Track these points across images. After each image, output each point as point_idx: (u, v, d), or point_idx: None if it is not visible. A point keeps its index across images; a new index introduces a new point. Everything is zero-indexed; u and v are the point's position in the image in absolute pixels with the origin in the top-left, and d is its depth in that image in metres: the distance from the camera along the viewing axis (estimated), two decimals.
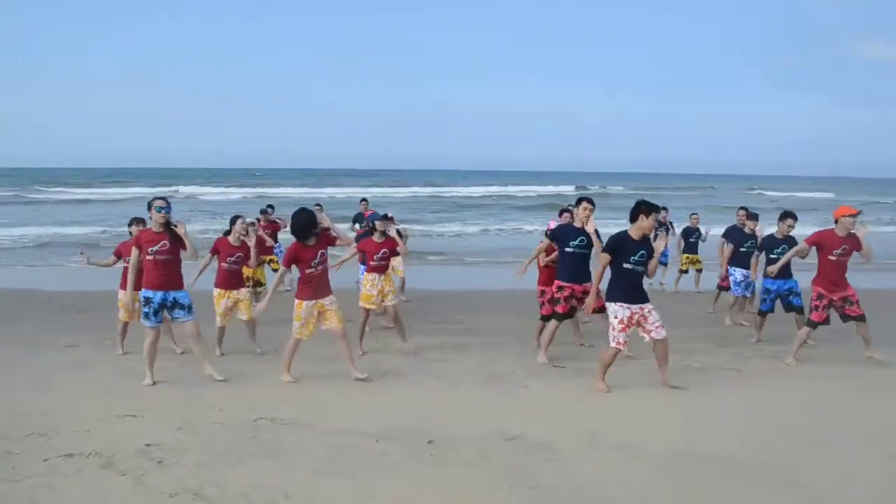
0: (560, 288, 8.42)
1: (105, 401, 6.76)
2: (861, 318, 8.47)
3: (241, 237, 9.05)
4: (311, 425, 6.01)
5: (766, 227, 11.36)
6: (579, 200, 8.58)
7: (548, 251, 9.01)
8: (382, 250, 8.95)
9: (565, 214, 9.80)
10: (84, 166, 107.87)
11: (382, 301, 9.01)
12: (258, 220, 12.57)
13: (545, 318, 8.93)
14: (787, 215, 9.85)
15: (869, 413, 6.54)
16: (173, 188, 52.18)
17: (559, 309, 8.45)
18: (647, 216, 7.01)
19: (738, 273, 11.12)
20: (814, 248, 8.46)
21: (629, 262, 7.03)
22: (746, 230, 11.18)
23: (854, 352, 8.78)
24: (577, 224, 8.40)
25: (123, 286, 8.67)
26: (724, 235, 11.51)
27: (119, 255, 8.92)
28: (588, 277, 8.34)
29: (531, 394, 7.15)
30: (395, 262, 12.40)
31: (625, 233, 7.15)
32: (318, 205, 14.63)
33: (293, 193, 49.91)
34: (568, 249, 8.34)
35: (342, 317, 7.60)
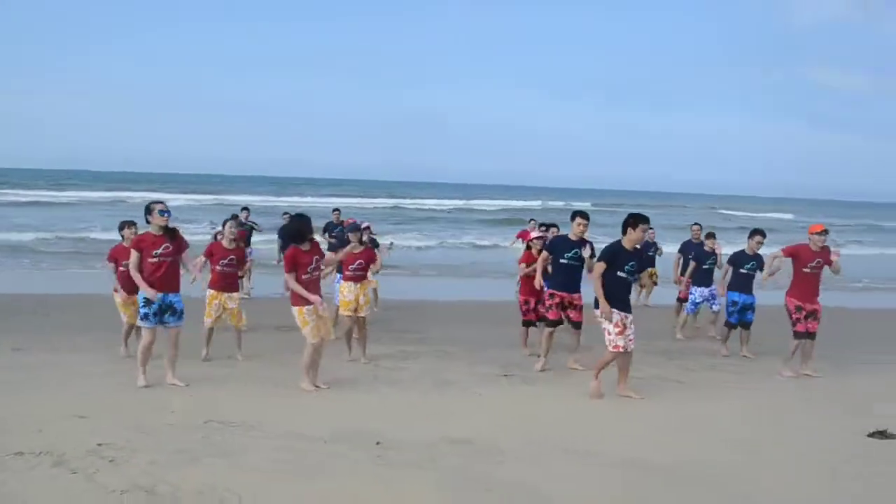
0: (551, 295, 8.78)
1: (55, 402, 6.77)
2: (812, 336, 8.93)
3: (232, 239, 9.11)
4: (262, 427, 6.12)
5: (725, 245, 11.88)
6: (574, 215, 8.88)
7: (528, 261, 9.51)
8: (358, 261, 9.11)
9: (553, 230, 10.90)
10: (28, 167, 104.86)
11: (356, 310, 9.13)
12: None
13: (527, 324, 9.65)
14: (756, 232, 10.38)
15: (791, 424, 6.87)
16: (125, 193, 51.05)
17: (551, 315, 8.78)
18: (635, 228, 7.44)
19: (696, 293, 11.47)
20: (788, 260, 8.99)
21: (623, 272, 7.43)
22: (706, 248, 11.52)
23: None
24: (572, 237, 8.71)
25: (117, 290, 8.69)
26: (680, 250, 11.84)
27: (115, 260, 8.82)
28: (578, 287, 8.72)
29: (480, 400, 7.36)
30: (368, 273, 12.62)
31: (619, 243, 7.54)
32: (286, 213, 14.79)
33: (254, 201, 49.14)
34: (563, 261, 8.69)
35: (331, 327, 7.78)
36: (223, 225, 9.29)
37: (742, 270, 10.18)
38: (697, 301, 11.50)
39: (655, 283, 14.88)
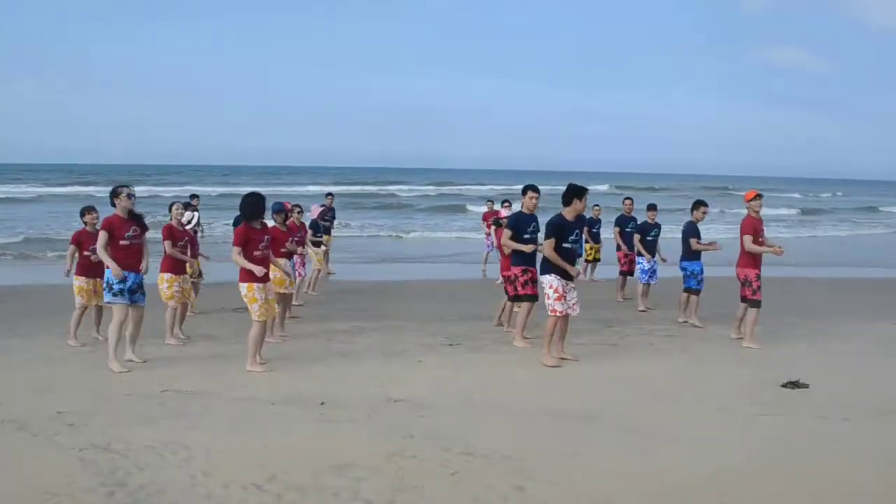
0: (524, 271, 8.92)
1: (19, 379, 7.17)
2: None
3: (179, 220, 9.38)
4: (214, 395, 6.59)
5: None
6: (525, 189, 9.16)
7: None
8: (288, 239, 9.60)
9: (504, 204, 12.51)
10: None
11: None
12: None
13: (516, 299, 9.45)
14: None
15: (712, 378, 7.48)
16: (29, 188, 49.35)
17: (529, 291, 8.93)
18: (580, 199, 7.95)
19: (643, 261, 12.05)
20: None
21: (567, 242, 7.93)
22: (649, 220, 12.13)
23: (719, 330, 9.80)
24: (525, 211, 8.98)
25: (79, 273, 8.92)
26: (638, 230, 12.30)
27: (78, 244, 8.95)
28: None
29: (423, 367, 7.84)
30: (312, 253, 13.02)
31: (560, 216, 7.99)
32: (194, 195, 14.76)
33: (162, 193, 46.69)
34: (526, 236, 8.88)
35: (275, 306, 8.14)
36: (168, 209, 9.58)
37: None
38: (646, 269, 12.03)
39: (598, 259, 15.43)
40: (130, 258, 7.71)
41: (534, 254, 8.98)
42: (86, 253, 8.83)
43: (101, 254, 7.64)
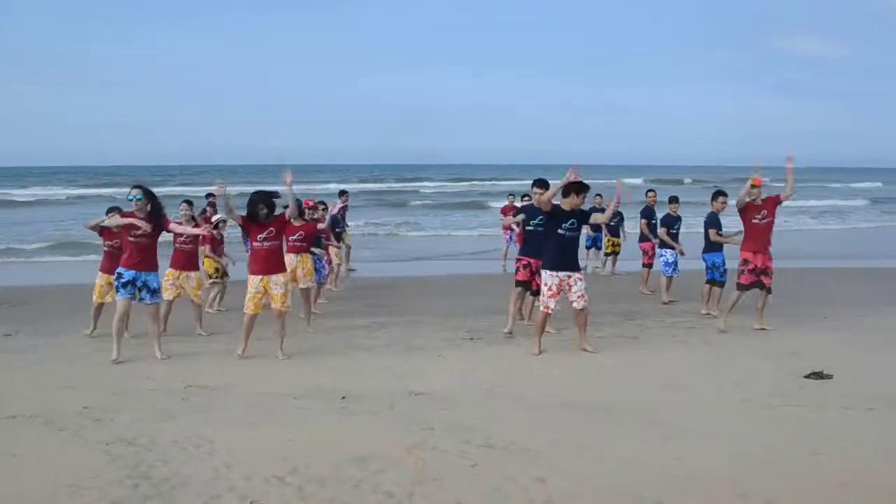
0: (518, 259, 9.26)
1: (45, 377, 7.27)
2: (768, 291, 9.43)
3: (185, 217, 9.56)
4: (238, 390, 6.67)
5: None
6: (532, 184, 9.32)
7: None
8: (298, 233, 9.78)
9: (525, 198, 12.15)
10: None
11: (294, 280, 9.54)
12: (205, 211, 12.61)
13: (536, 293, 9.43)
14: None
15: (734, 369, 7.41)
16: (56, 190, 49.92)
17: (520, 277, 9.17)
18: (578, 195, 8.07)
19: (668, 254, 12.00)
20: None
21: (562, 228, 8.03)
22: (671, 213, 12.08)
23: (740, 321, 9.71)
24: (535, 203, 9.04)
25: (101, 269, 9.19)
26: (664, 224, 12.30)
27: (101, 234, 9.17)
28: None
29: (443, 361, 7.87)
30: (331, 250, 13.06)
31: (556, 206, 8.15)
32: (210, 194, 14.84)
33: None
34: (529, 228, 9.06)
35: (285, 301, 8.07)
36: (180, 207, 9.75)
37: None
38: (670, 262, 11.97)
39: (617, 252, 15.33)
40: (135, 256, 7.79)
41: (537, 246, 8.95)
42: (105, 249, 9.11)
43: (115, 221, 7.96)
